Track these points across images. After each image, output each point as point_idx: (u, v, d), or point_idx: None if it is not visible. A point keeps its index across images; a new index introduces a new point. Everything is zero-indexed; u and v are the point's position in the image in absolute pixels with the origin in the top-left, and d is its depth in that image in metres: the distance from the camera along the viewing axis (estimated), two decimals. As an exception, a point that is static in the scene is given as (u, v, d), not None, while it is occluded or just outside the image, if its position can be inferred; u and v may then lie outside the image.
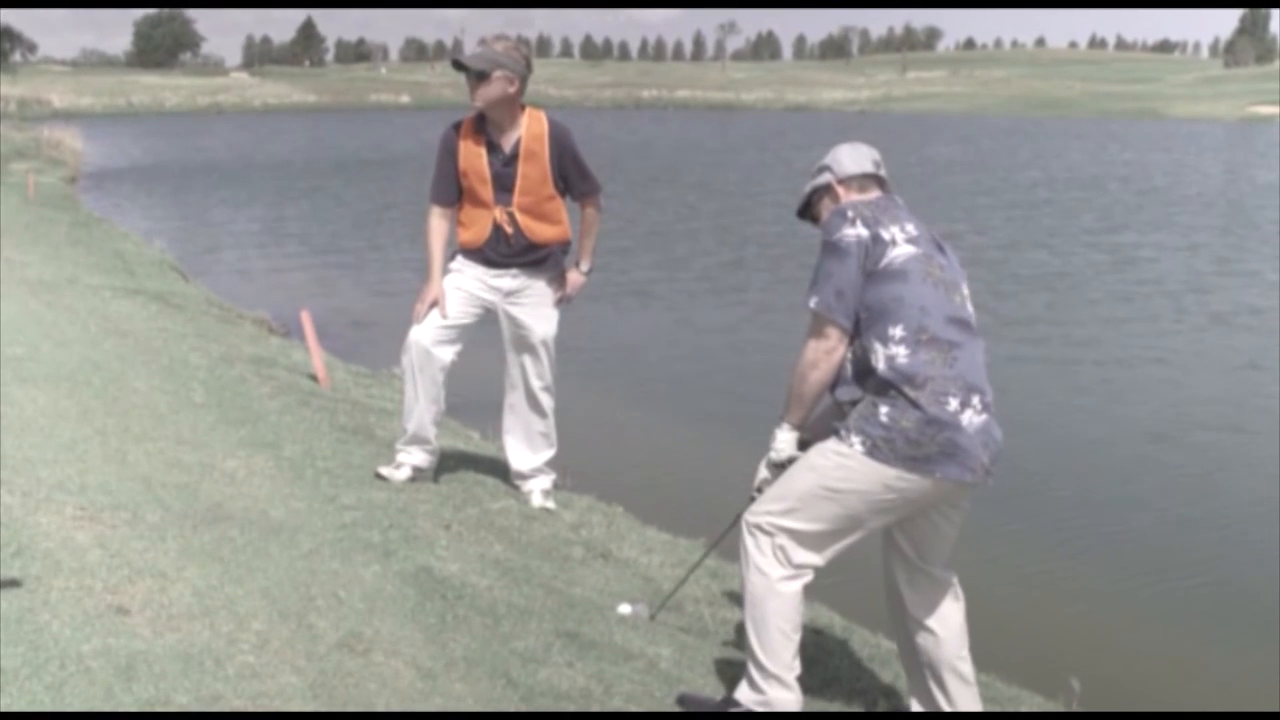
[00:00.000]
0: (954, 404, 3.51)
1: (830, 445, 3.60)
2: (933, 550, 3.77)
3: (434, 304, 5.53)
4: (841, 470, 3.55)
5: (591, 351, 11.90)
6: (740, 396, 11.20)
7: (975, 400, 3.55)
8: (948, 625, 3.78)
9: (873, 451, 3.51)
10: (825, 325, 3.62)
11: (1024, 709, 4.64)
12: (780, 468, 3.79)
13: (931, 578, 3.77)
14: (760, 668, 3.63)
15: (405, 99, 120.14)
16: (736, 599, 5.10)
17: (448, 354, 5.58)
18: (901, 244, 3.62)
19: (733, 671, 4.20)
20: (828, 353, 3.63)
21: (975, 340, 3.66)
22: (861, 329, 3.61)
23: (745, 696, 3.67)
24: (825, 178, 3.93)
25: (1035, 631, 6.32)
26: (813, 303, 3.63)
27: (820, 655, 4.56)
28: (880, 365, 3.54)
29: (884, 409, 3.53)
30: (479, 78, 5.35)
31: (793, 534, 3.60)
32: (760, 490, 3.85)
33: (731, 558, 5.77)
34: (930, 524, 3.72)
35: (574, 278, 5.81)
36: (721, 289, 16.91)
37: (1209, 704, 5.58)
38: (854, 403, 3.63)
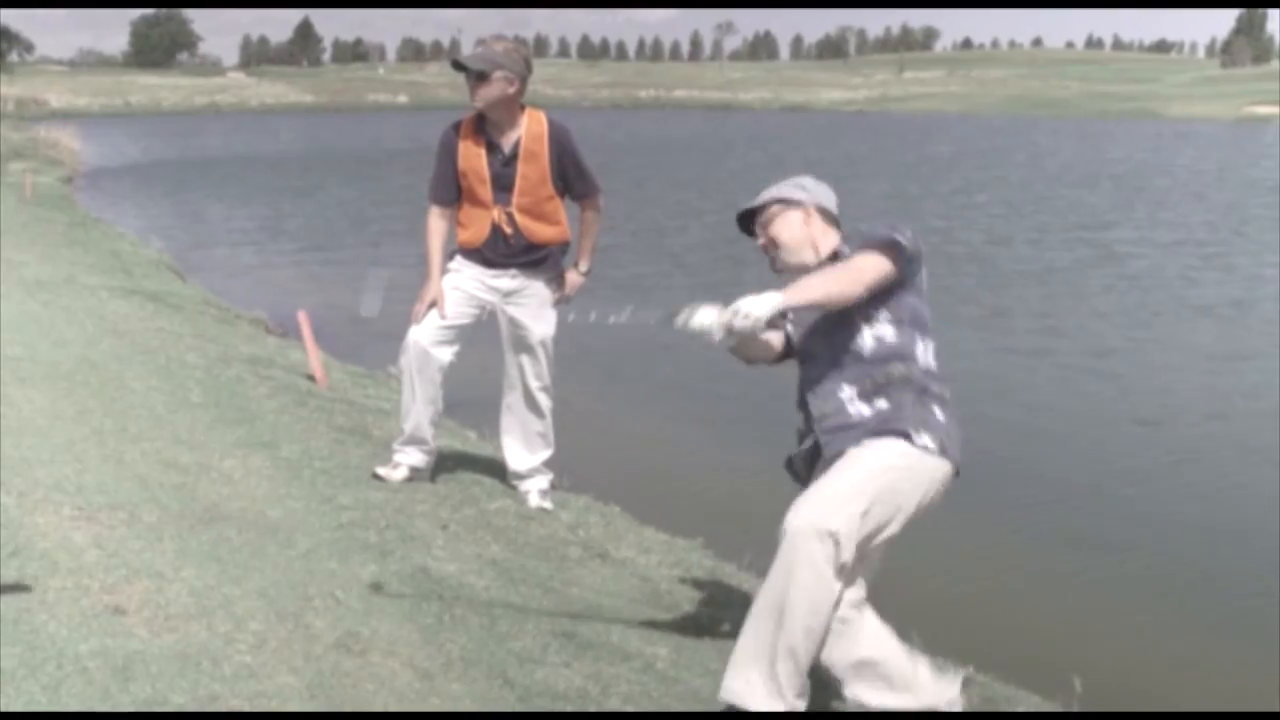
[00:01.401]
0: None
1: (900, 445, 3.51)
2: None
3: (433, 304, 5.53)
4: (913, 469, 3.50)
5: (589, 350, 11.90)
6: (735, 395, 11.20)
7: None
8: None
9: (943, 450, 3.54)
10: (894, 262, 3.54)
11: (1020, 709, 4.64)
12: (738, 333, 3.46)
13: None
14: (791, 678, 3.39)
15: (403, 99, 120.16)
16: (734, 599, 5.11)
17: (446, 354, 5.58)
18: None
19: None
20: (876, 281, 3.50)
21: None
22: (904, 326, 3.64)
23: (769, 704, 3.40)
24: (800, 195, 3.87)
25: (1031, 628, 6.31)
26: (906, 236, 3.56)
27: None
28: (924, 364, 3.65)
29: (935, 408, 3.61)
30: (479, 78, 5.35)
31: (855, 537, 3.38)
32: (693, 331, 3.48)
33: (727, 558, 5.81)
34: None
35: (573, 278, 5.81)
36: (716, 285, 16.92)
37: (1209, 701, 5.57)
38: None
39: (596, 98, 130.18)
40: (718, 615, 4.85)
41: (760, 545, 6.10)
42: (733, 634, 4.60)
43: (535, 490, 5.96)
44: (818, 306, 3.55)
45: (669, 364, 12.44)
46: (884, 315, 3.63)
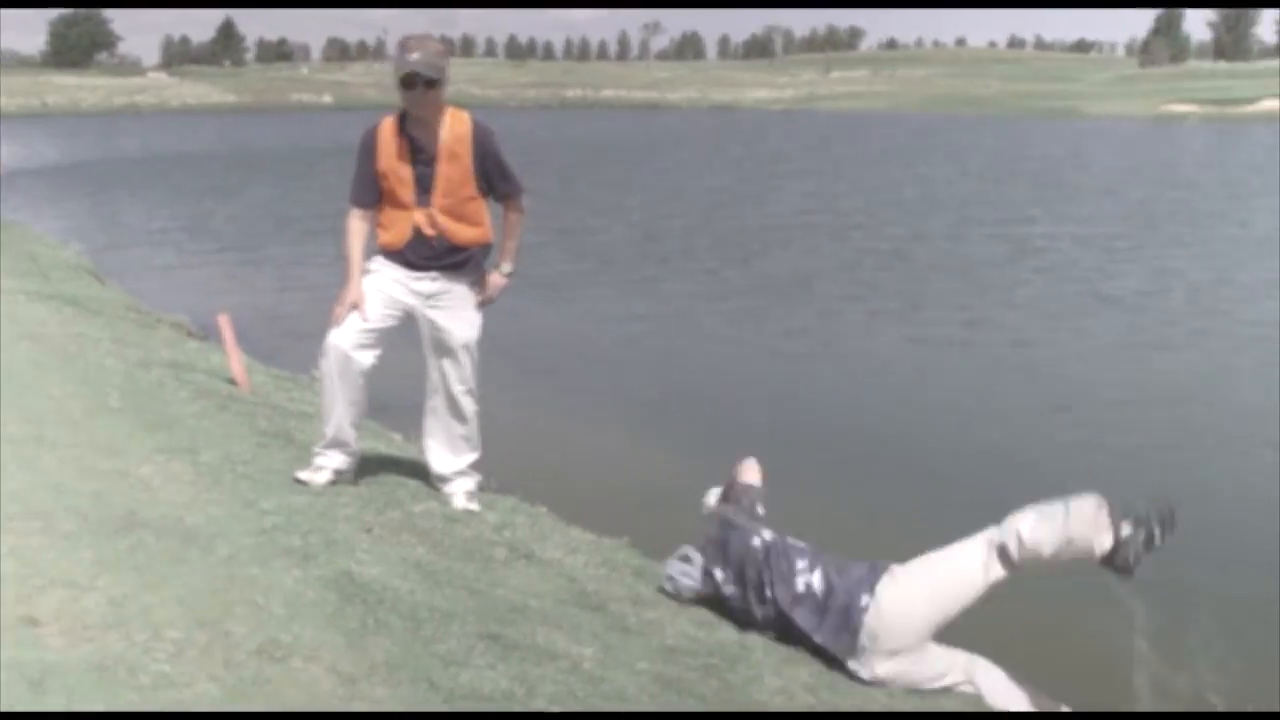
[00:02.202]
0: None
1: None
2: None
3: (354, 306, 5.47)
4: None
5: (512, 350, 11.88)
6: (660, 393, 11.28)
7: None
8: None
9: None
10: None
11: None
12: None
13: None
14: None
15: (327, 99, 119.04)
16: (661, 599, 5.12)
17: (368, 358, 5.52)
18: None
19: (656, 669, 4.22)
20: None
21: None
22: None
23: None
24: None
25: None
26: None
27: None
28: None
29: None
30: (428, 85, 5.32)
31: None
32: None
33: (654, 555, 5.82)
34: None
35: (495, 279, 5.78)
36: (641, 282, 16.96)
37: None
38: None
39: (524, 97, 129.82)
40: (645, 614, 4.86)
41: (686, 542, 6.15)
42: (659, 632, 4.63)
43: (461, 492, 5.92)
44: None
45: (592, 361, 12.49)
46: None
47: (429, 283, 5.56)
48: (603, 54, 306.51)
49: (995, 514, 7.99)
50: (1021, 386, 11.54)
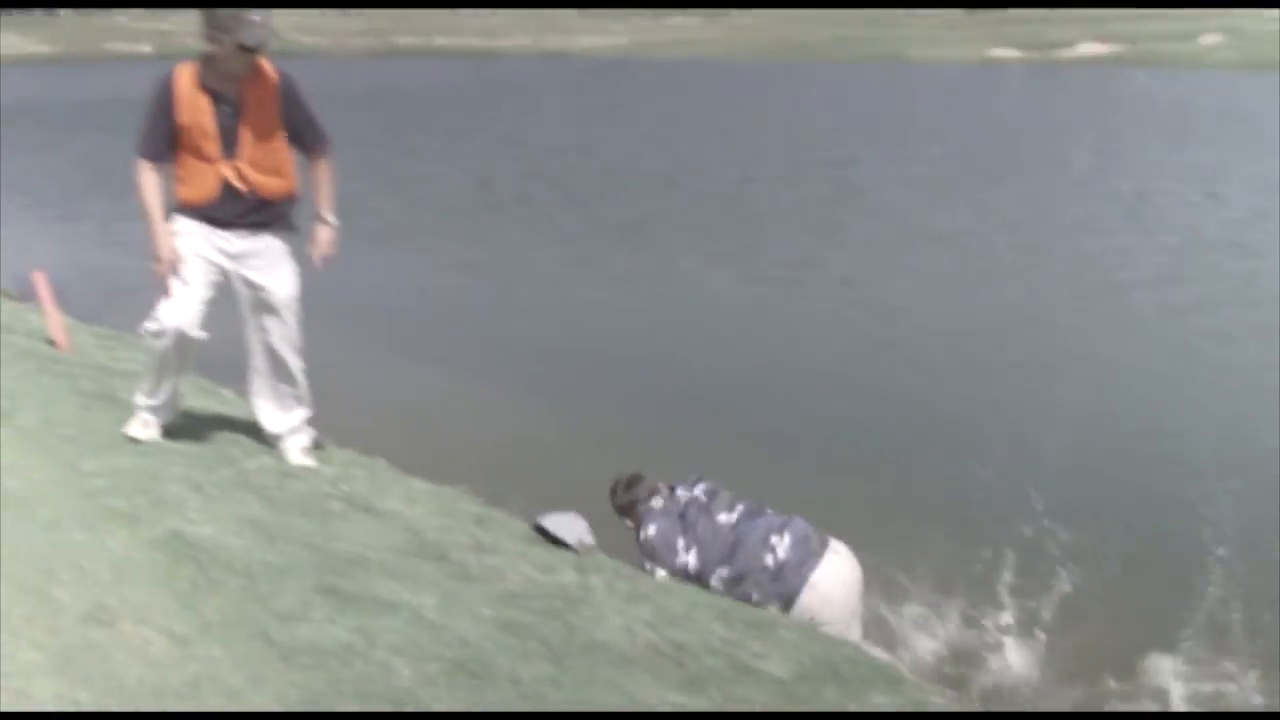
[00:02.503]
0: None
1: None
2: None
3: (172, 263, 5.27)
4: None
5: (344, 301, 11.67)
6: (496, 340, 11.25)
7: None
8: None
9: None
10: None
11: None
12: None
13: None
14: None
15: (147, 48, 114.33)
16: (502, 545, 5.13)
17: (203, 333, 5.38)
18: None
19: (499, 614, 4.22)
20: None
21: None
22: None
23: None
24: None
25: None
26: None
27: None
28: None
29: None
30: (256, 50, 5.16)
31: None
32: None
33: (494, 503, 5.83)
34: None
35: (325, 233, 5.66)
36: (476, 232, 16.81)
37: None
38: None
39: (352, 46, 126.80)
40: (486, 561, 4.85)
41: (527, 488, 6.17)
42: (500, 579, 4.63)
43: (295, 449, 5.81)
44: None
45: (423, 311, 12.37)
46: None
47: (239, 240, 5.38)
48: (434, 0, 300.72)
49: (833, 448, 8.28)
50: (851, 322, 11.88)
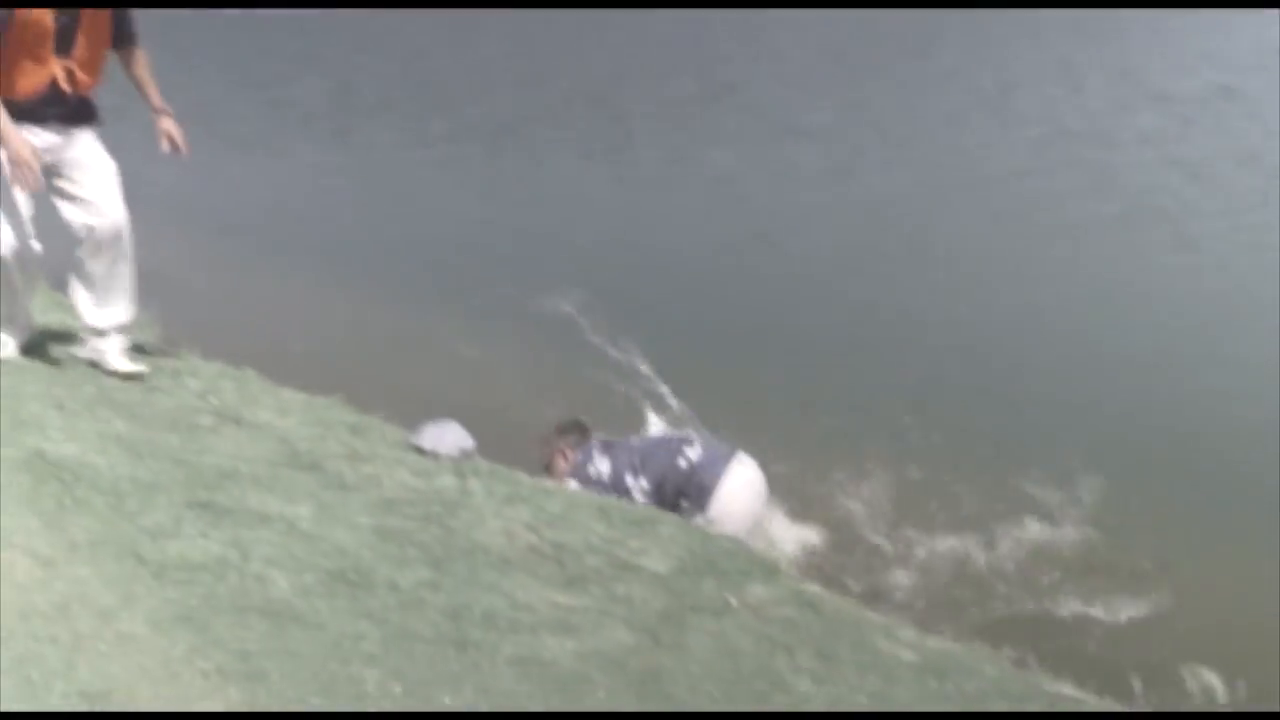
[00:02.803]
0: None
1: None
2: None
3: (30, 157, 4.98)
4: None
5: (207, 208, 11.37)
6: (360, 246, 11.07)
7: None
8: None
9: None
10: None
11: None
12: None
13: None
14: None
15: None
16: (377, 451, 5.08)
17: (39, 245, 5.20)
18: None
19: (376, 522, 4.19)
20: None
21: None
22: None
23: None
24: None
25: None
26: None
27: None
28: None
29: None
30: None
31: None
32: None
33: (369, 410, 5.76)
34: None
35: (170, 124, 5.46)
36: (338, 136, 16.42)
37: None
38: None
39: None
40: (361, 468, 4.81)
41: (400, 395, 6.11)
42: (377, 488, 4.60)
43: (113, 351, 5.55)
44: None
45: (295, 219, 12.11)
46: None
47: (54, 136, 5.18)
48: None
49: (702, 340, 8.38)
50: (723, 217, 11.94)
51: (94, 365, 5.52)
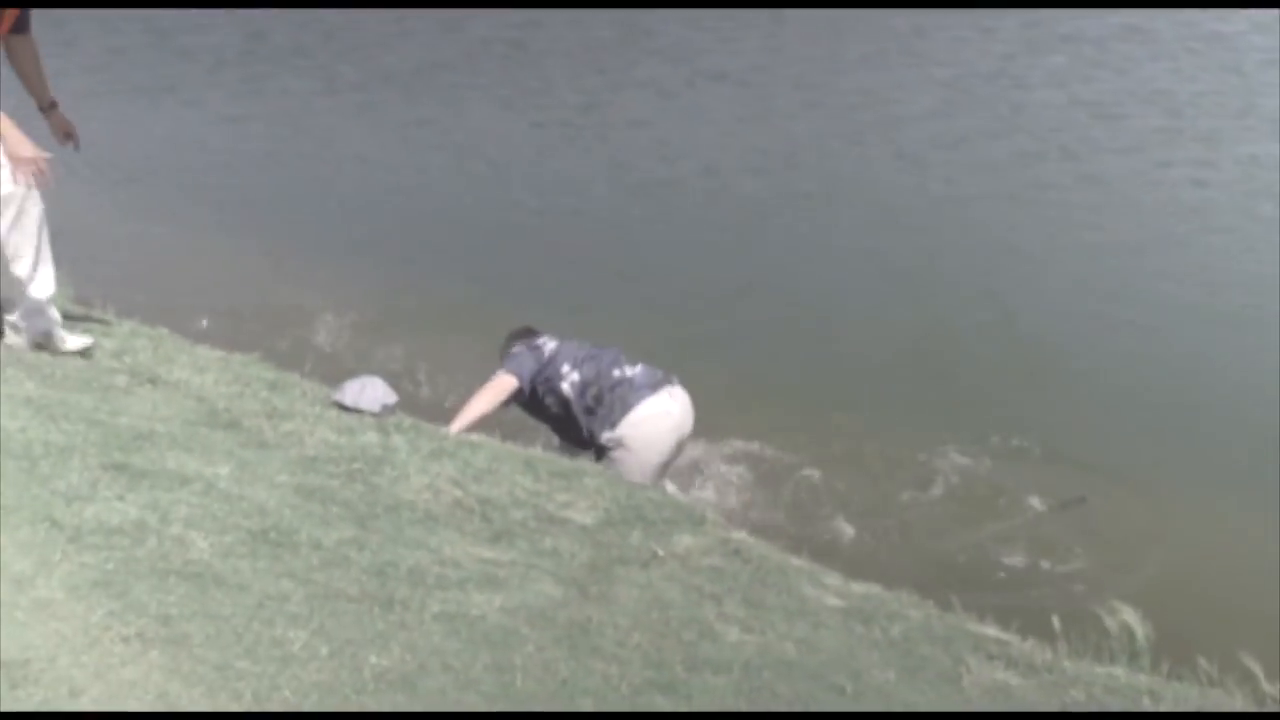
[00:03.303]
0: None
1: None
2: None
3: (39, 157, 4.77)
4: None
5: (115, 161, 11.05)
6: (274, 197, 10.88)
7: None
8: None
9: None
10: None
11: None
12: None
13: None
14: None
15: None
16: (296, 408, 5.00)
17: None
18: None
19: (297, 480, 4.13)
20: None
21: None
22: None
23: None
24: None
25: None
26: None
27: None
28: None
29: None
30: None
31: None
32: None
33: (288, 367, 5.67)
34: None
35: (64, 119, 5.29)
36: (250, 83, 16.03)
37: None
38: None
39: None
40: (281, 425, 4.74)
41: (319, 352, 6.03)
42: (298, 444, 4.53)
43: (57, 325, 5.24)
44: None
45: (207, 171, 11.84)
46: None
47: None
48: None
49: (609, 280, 8.42)
50: (636, 162, 11.94)
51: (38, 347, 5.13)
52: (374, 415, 5.04)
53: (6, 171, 4.84)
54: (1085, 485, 5.79)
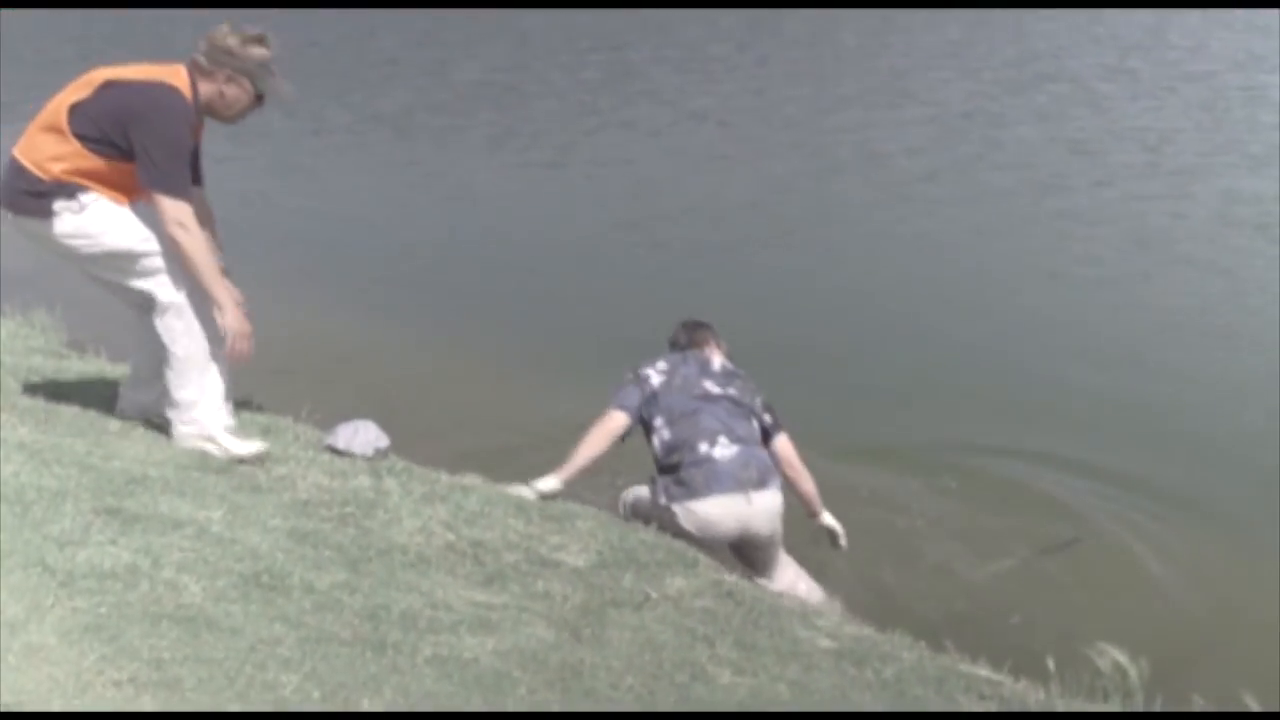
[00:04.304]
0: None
1: None
2: None
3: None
4: None
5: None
6: (264, 237, 10.86)
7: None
8: None
9: None
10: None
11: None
12: None
13: None
14: None
15: None
16: (290, 453, 5.00)
17: None
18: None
19: (290, 524, 4.14)
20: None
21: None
22: None
23: None
24: None
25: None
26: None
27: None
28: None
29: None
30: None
31: None
32: None
33: (284, 411, 5.66)
34: None
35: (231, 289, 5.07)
36: (219, 125, 16.15)
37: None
38: None
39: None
40: (275, 470, 4.74)
41: (318, 396, 6.03)
42: (290, 489, 4.53)
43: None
44: None
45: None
46: None
47: None
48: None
49: (584, 316, 8.49)
50: (612, 204, 12.28)
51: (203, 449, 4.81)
52: (366, 459, 5.05)
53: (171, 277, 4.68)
54: (1077, 526, 5.81)
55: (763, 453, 5.07)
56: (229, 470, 4.64)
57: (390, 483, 4.79)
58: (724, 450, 4.92)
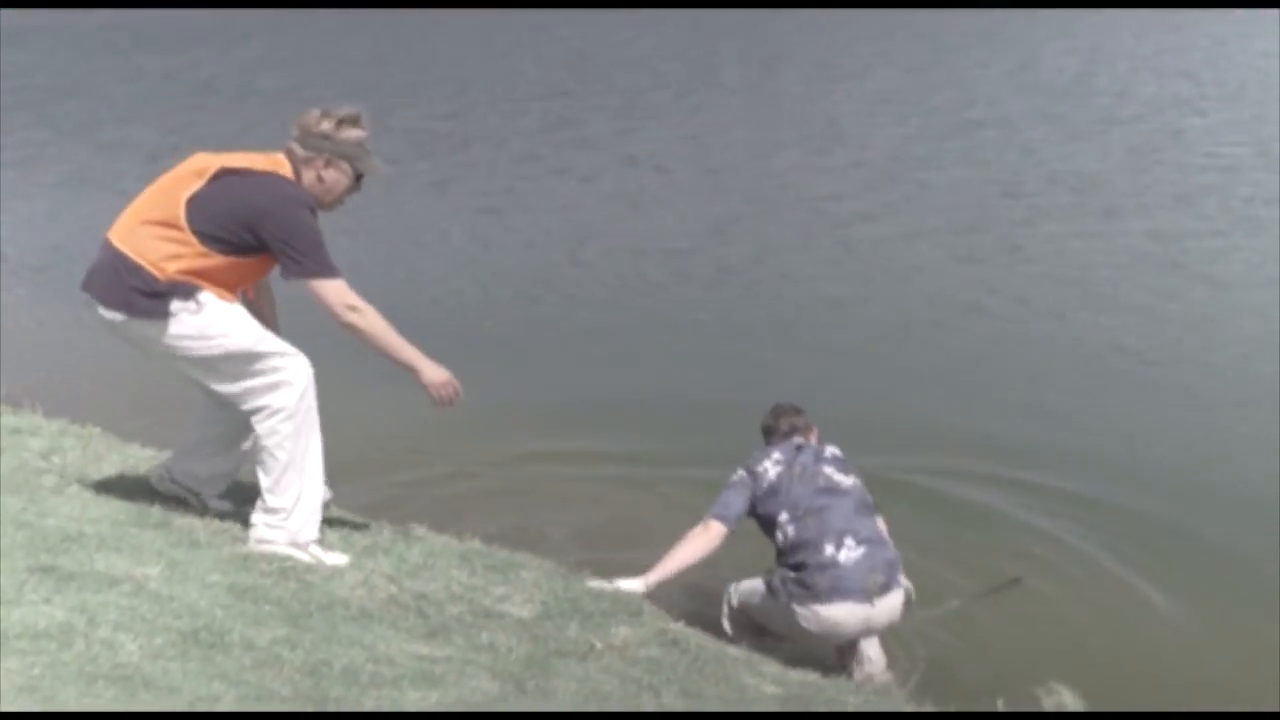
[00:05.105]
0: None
1: None
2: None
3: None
4: None
5: (37, 258, 10.95)
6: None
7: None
8: None
9: None
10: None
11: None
12: None
13: None
14: None
15: None
16: (227, 510, 4.94)
17: None
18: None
19: (230, 579, 4.09)
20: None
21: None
22: None
23: None
24: None
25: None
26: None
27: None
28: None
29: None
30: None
31: None
32: None
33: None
34: None
35: None
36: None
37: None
38: None
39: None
40: (214, 525, 4.69)
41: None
42: (230, 543, 4.48)
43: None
44: None
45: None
46: None
47: None
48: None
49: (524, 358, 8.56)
50: (544, 246, 12.60)
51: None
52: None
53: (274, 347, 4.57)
54: (1019, 567, 5.85)
55: (889, 551, 4.95)
56: (166, 525, 4.58)
57: (331, 535, 4.75)
58: (849, 554, 4.79)
